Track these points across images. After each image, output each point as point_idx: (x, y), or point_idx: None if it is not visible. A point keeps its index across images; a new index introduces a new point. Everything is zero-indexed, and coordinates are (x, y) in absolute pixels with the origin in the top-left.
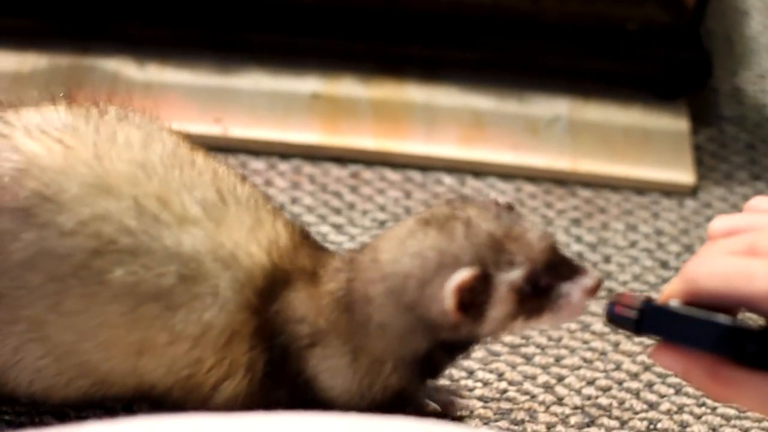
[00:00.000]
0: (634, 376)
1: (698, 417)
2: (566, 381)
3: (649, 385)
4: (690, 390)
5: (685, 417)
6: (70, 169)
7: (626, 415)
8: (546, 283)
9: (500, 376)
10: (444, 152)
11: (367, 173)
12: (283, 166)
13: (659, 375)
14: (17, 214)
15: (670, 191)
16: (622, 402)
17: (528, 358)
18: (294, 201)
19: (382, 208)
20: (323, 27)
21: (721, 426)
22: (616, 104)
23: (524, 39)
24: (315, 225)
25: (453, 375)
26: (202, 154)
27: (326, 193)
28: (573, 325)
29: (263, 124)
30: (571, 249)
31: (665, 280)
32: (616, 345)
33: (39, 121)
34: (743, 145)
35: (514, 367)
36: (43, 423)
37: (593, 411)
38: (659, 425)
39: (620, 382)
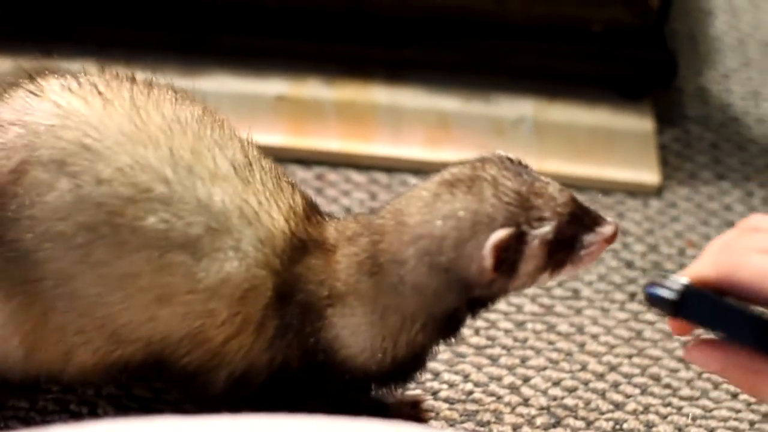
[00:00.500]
0: (600, 376)
1: (664, 417)
2: (532, 382)
3: (615, 386)
4: (656, 390)
5: (651, 417)
6: (108, 119)
7: (592, 416)
8: (571, 234)
9: (466, 377)
10: (409, 153)
11: (333, 175)
12: None
13: (625, 375)
14: (52, 165)
15: (635, 191)
16: (588, 402)
17: (494, 360)
18: None
19: (348, 210)
20: (288, 29)
21: (686, 426)
22: (581, 105)
23: (490, 40)
24: None
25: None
26: (227, 122)
27: None
28: (538, 326)
29: None
30: None
31: (630, 281)
32: (582, 346)
33: (72, 79)
34: (708, 144)
35: (479, 368)
36: (8, 427)
37: (559, 412)
38: (625, 425)
39: (586, 383)
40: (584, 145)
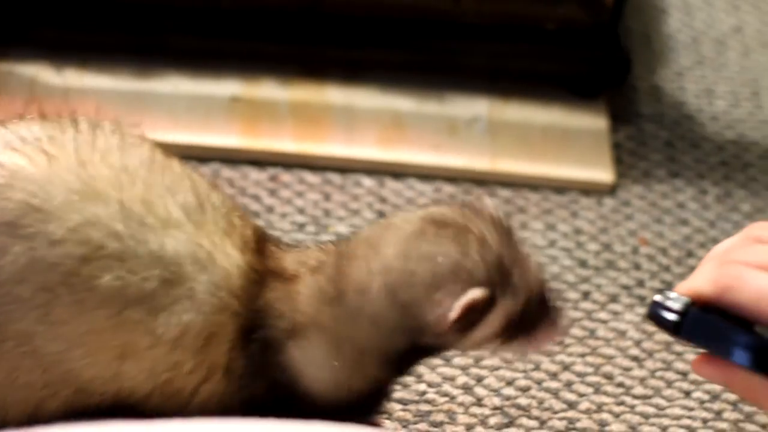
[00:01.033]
0: (553, 375)
1: (617, 415)
2: (485, 382)
3: (568, 385)
4: (609, 389)
5: (604, 416)
6: (55, 177)
7: (545, 415)
8: (531, 316)
9: (419, 377)
10: (363, 154)
11: (286, 176)
12: (203, 169)
13: (578, 374)
14: (4, 228)
15: (589, 190)
16: (541, 402)
17: (447, 360)
18: None
19: (302, 211)
20: (243, 30)
21: (640, 424)
22: (535, 104)
23: (444, 39)
24: None
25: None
26: (177, 160)
27: (245, 196)
28: None
29: (182, 128)
30: None
31: (584, 279)
32: None
33: (14, 135)
34: (662, 142)
35: (433, 368)
36: None
37: (512, 411)
38: (578, 424)
39: (539, 382)
40: (538, 144)
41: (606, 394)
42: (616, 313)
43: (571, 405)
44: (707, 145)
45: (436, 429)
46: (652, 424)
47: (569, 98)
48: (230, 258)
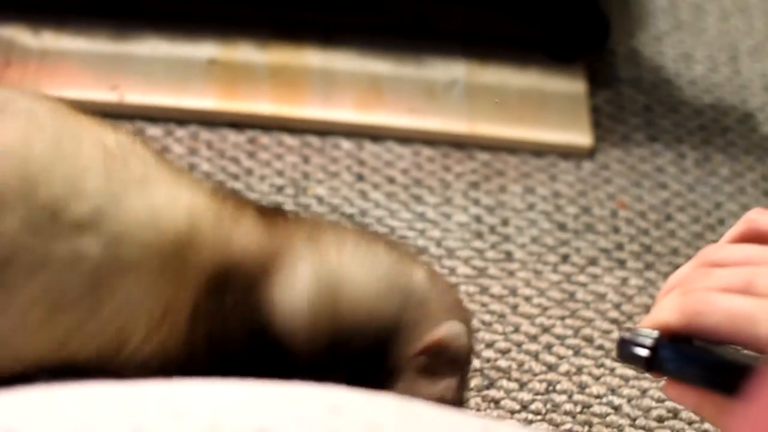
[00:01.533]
0: (533, 338)
1: (597, 378)
2: None
3: (548, 347)
4: (589, 351)
5: (584, 378)
6: None
7: (525, 377)
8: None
9: None
10: (342, 117)
11: (265, 139)
12: (180, 132)
13: (558, 337)
14: None
15: (567, 153)
16: (521, 364)
17: None
18: (191, 167)
19: (280, 174)
20: None
21: (619, 387)
22: (513, 67)
23: (422, 3)
24: None
25: None
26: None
27: (224, 159)
28: (471, 288)
29: (160, 91)
30: (469, 212)
31: (563, 242)
32: (515, 307)
33: None
34: (640, 106)
35: None
36: None
37: (492, 373)
38: (558, 386)
39: (519, 344)
40: (516, 108)
41: (586, 356)
42: (595, 276)
43: (551, 367)
44: (686, 109)
45: None
46: (632, 386)
47: (547, 62)
48: (176, 225)
